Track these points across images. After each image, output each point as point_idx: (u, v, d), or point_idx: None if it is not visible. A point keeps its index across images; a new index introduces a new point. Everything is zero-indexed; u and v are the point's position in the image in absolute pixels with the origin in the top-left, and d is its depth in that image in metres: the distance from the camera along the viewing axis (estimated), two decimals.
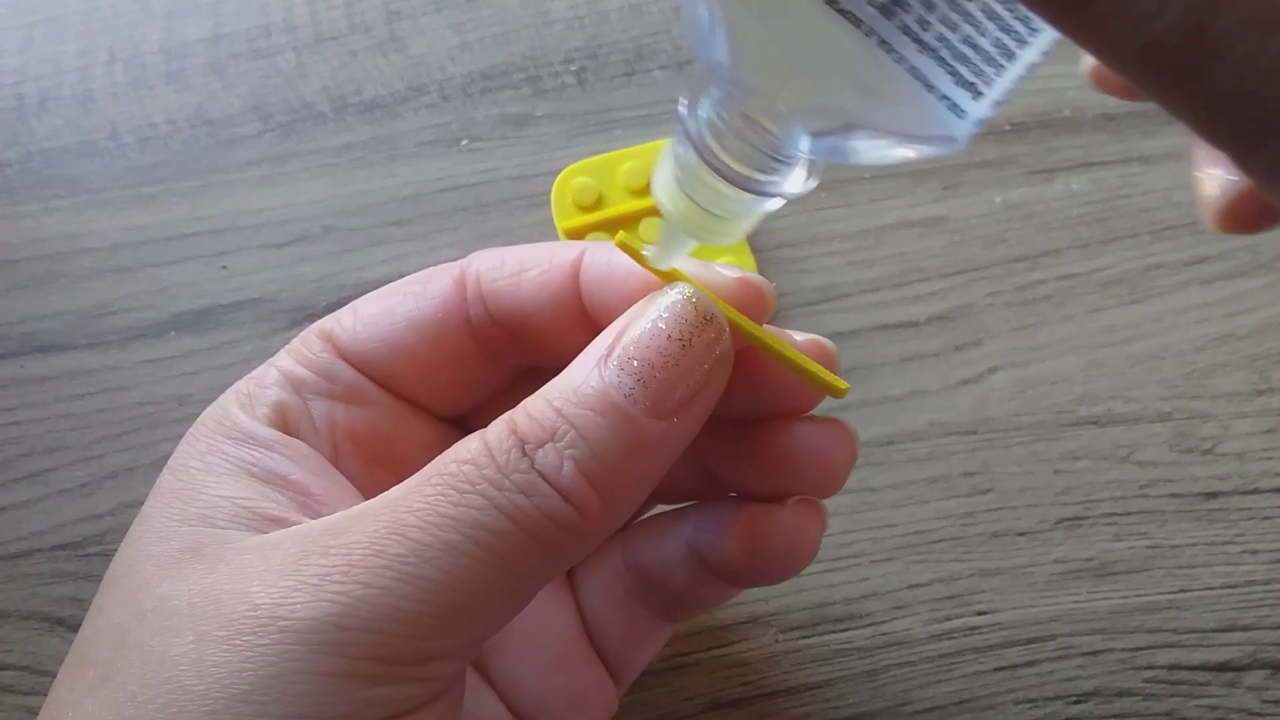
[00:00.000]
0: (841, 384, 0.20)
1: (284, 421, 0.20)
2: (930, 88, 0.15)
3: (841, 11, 0.14)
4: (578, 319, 0.21)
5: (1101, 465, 0.30)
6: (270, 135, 0.34)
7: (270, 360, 0.21)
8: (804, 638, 0.29)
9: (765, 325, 0.20)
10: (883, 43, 0.14)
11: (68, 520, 0.30)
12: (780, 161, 0.17)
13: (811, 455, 0.21)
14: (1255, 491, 0.30)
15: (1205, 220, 0.19)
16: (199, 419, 0.20)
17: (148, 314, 0.32)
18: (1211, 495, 0.30)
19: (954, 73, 0.14)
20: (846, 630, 0.29)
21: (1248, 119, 0.12)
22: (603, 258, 0.21)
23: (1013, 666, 0.28)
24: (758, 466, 0.21)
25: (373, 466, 0.21)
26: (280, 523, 0.18)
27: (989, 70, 0.15)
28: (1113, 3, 0.12)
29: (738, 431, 0.21)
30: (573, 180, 0.32)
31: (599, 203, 0.32)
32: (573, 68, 0.35)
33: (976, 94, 0.15)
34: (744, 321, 0.19)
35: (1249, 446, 0.31)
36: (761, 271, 0.32)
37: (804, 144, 0.17)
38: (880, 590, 0.29)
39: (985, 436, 0.31)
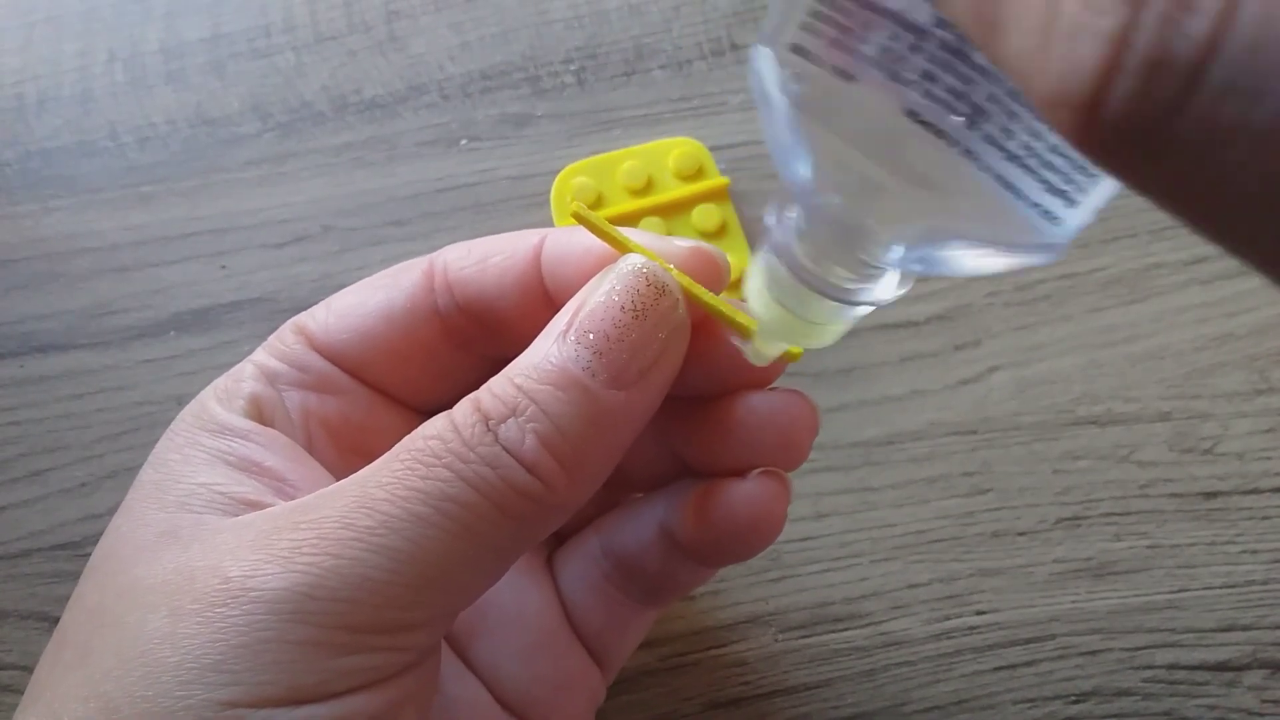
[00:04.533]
0: (794, 349, 0.20)
1: (259, 412, 0.21)
2: (1019, 196, 0.14)
3: (924, 124, 0.14)
4: (542, 303, 0.21)
5: (1101, 465, 0.30)
6: (270, 135, 0.34)
7: (248, 357, 0.22)
8: (803, 637, 0.29)
9: (721, 296, 0.20)
10: (967, 152, 0.14)
11: (67, 520, 0.30)
12: (871, 268, 0.17)
13: (770, 424, 0.21)
14: (1255, 491, 0.30)
15: None
16: (179, 415, 0.21)
17: (147, 314, 0.32)
18: (1211, 495, 0.30)
19: (1043, 180, 0.14)
20: (846, 630, 0.29)
21: None
22: (562, 240, 0.21)
23: (1012, 666, 0.28)
24: (719, 440, 0.21)
25: (347, 455, 0.22)
26: (255, 506, 0.19)
27: (1080, 177, 0.14)
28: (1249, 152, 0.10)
29: (701, 408, 0.22)
30: (572, 180, 0.32)
31: (598, 203, 0.32)
32: (572, 67, 0.35)
33: (1070, 201, 0.14)
34: (697, 289, 0.19)
35: (1249, 446, 0.31)
36: None
37: (896, 255, 0.16)
38: (880, 590, 0.29)
39: (985, 436, 0.31)
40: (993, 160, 0.14)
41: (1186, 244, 0.33)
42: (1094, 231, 0.33)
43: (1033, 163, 0.14)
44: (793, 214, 0.18)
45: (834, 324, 0.19)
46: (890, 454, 0.30)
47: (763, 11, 0.35)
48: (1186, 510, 0.30)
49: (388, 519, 0.17)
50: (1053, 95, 0.10)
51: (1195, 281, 0.32)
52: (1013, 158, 0.14)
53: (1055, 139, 0.14)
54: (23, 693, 0.28)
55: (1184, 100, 0.10)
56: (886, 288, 0.18)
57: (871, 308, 0.18)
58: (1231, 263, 0.33)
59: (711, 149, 0.33)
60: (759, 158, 0.34)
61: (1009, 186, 0.14)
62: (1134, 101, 0.10)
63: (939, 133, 0.14)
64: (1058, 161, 0.14)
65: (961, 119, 0.13)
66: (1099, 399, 0.31)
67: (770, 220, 0.18)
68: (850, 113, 0.15)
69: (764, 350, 0.20)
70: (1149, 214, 0.33)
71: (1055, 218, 0.15)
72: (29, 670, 0.28)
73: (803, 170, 0.16)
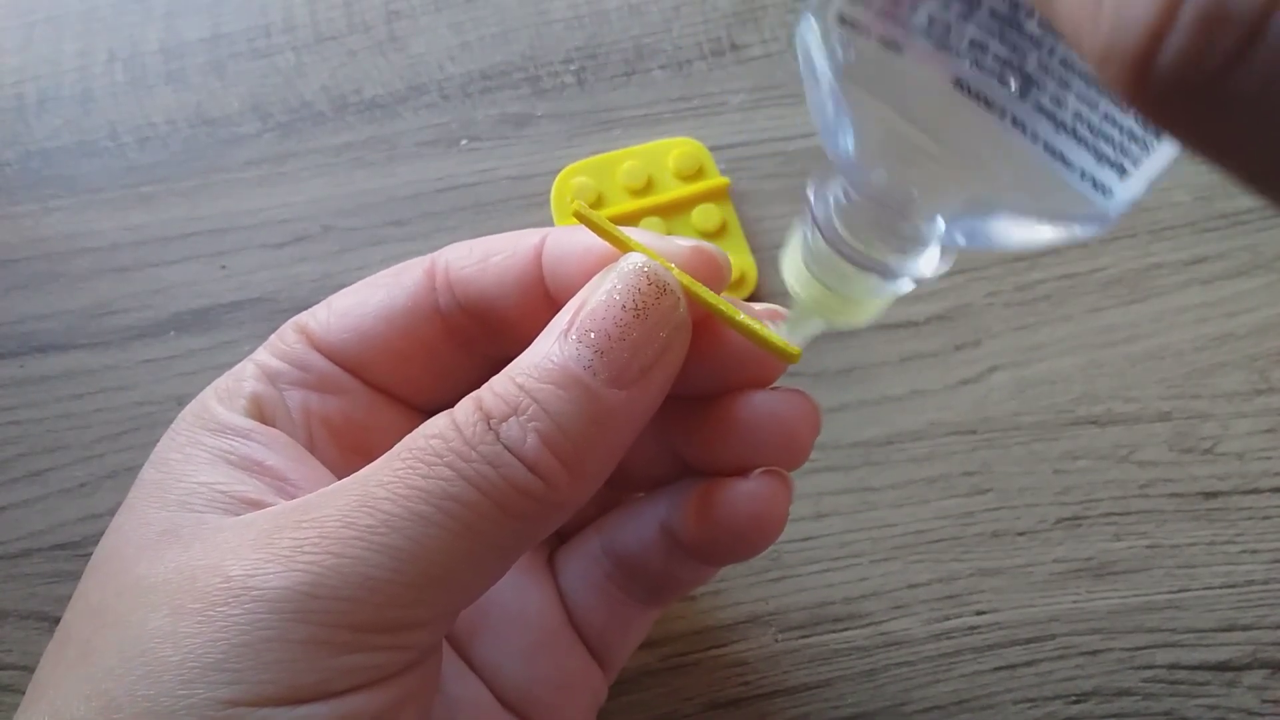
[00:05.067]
0: (793, 349, 0.20)
1: (260, 411, 0.21)
2: (1070, 166, 0.14)
3: (973, 94, 0.13)
4: (543, 303, 0.21)
5: (1101, 465, 0.30)
6: (270, 135, 0.34)
7: (249, 356, 0.22)
8: (803, 638, 0.29)
9: (722, 295, 0.20)
10: (1016, 122, 0.13)
11: (67, 520, 0.30)
12: (914, 244, 0.17)
13: (771, 423, 0.21)
14: (1255, 491, 0.30)
15: None
16: (180, 415, 0.21)
17: (147, 314, 0.32)
18: (1211, 495, 0.30)
19: (1095, 150, 0.14)
20: (846, 630, 0.29)
21: None
22: (563, 239, 0.21)
23: (1012, 666, 0.28)
24: (721, 439, 0.21)
25: (349, 455, 0.22)
26: (257, 505, 0.19)
27: (1135, 148, 0.14)
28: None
29: (702, 407, 0.22)
30: (572, 180, 0.32)
31: (599, 203, 0.32)
32: (572, 67, 0.35)
33: (1123, 172, 0.14)
34: (698, 288, 0.19)
35: (1249, 446, 0.31)
36: (761, 271, 0.32)
37: (940, 228, 0.16)
38: (880, 590, 0.29)
39: (985, 436, 0.31)
40: (1043, 130, 0.13)
41: (1186, 244, 0.33)
42: None
43: (1085, 132, 0.14)
44: (834, 188, 0.17)
45: (873, 301, 0.18)
46: (890, 454, 0.30)
47: (762, 11, 0.35)
48: (1186, 510, 0.30)
49: (389, 518, 0.17)
50: (1104, 51, 0.10)
51: (1195, 281, 0.32)
52: (1064, 127, 0.13)
53: (1108, 107, 0.13)
54: (23, 692, 0.28)
55: (1243, 54, 0.09)
56: (928, 262, 0.18)
57: (912, 284, 0.18)
58: (1231, 263, 0.33)
59: (711, 149, 0.33)
60: (759, 158, 0.34)
61: (1059, 157, 0.14)
62: (1188, 56, 0.09)
63: (988, 103, 0.13)
64: (1111, 130, 0.14)
65: (1012, 88, 0.13)
66: (1099, 399, 0.31)
67: (810, 194, 0.18)
68: (897, 84, 0.14)
69: (800, 329, 0.20)
70: (1149, 214, 0.33)
71: (1107, 189, 0.14)
72: (29, 670, 0.28)
73: (847, 143, 0.16)
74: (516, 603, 0.23)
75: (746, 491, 0.21)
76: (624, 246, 0.20)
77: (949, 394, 0.31)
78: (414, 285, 0.22)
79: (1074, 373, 0.31)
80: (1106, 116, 0.13)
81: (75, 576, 0.29)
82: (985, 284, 0.32)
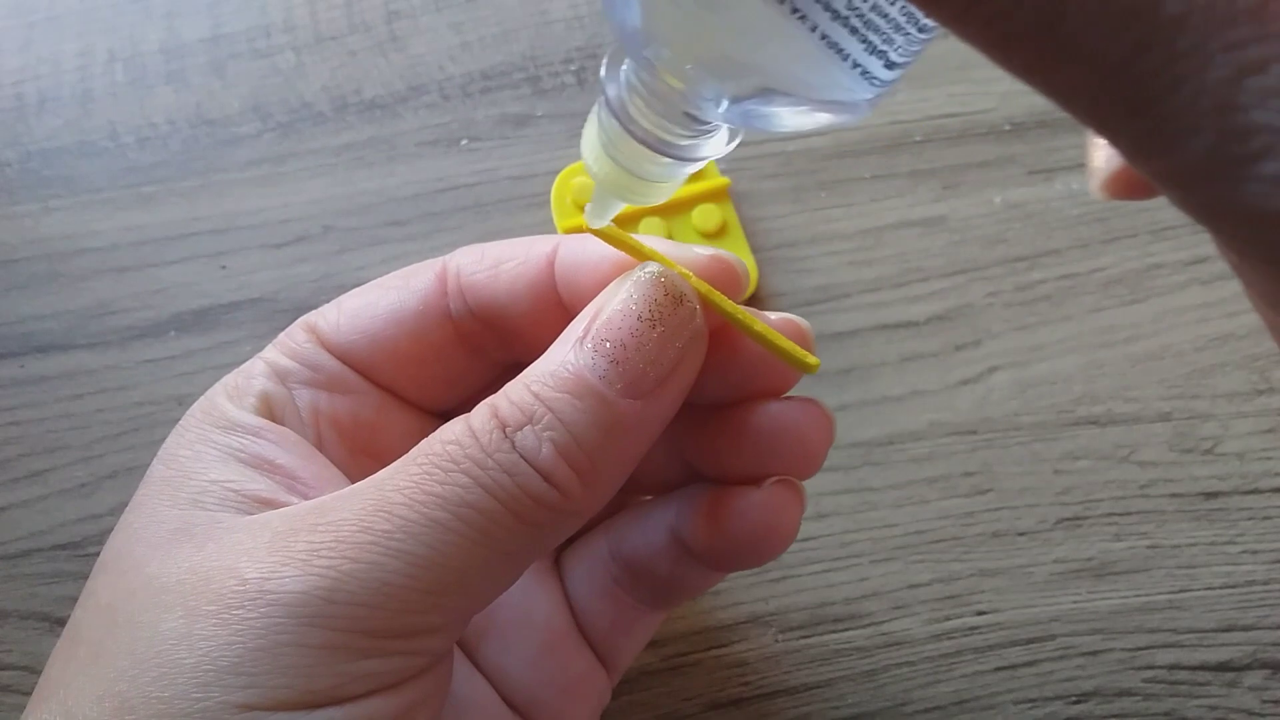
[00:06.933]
0: (812, 360, 0.20)
1: (269, 410, 0.21)
2: (844, 55, 0.15)
3: None
4: (554, 310, 0.21)
5: (1101, 465, 0.30)
6: (270, 135, 0.34)
7: (258, 354, 0.22)
8: (804, 638, 0.29)
9: (740, 305, 0.20)
10: (795, 10, 0.14)
11: (67, 520, 0.30)
12: (699, 124, 0.17)
13: (785, 433, 0.21)
14: (1255, 491, 0.30)
15: (1092, 189, 0.18)
16: (188, 411, 0.21)
17: (147, 314, 0.32)
18: (1211, 495, 0.30)
19: (865, 40, 0.15)
20: (846, 630, 0.29)
21: (1105, 104, 0.11)
22: (577, 247, 0.21)
23: (1012, 666, 0.28)
24: (734, 448, 0.21)
25: (357, 455, 0.22)
26: (269, 504, 0.18)
27: (899, 38, 0.15)
28: None
29: (715, 416, 0.22)
30: (572, 180, 0.32)
31: None
32: (573, 68, 0.35)
33: (889, 63, 0.15)
34: (716, 297, 0.19)
35: (1249, 446, 0.31)
36: (761, 271, 0.32)
37: (720, 109, 0.17)
38: (880, 590, 0.29)
39: (985, 436, 0.31)
40: (820, 19, 0.14)
41: (1187, 244, 0.33)
42: (1094, 231, 0.33)
43: (857, 22, 0.14)
44: (626, 68, 0.17)
45: (667, 181, 0.19)
46: (890, 454, 0.30)
47: None
48: (1187, 510, 0.30)
49: (406, 523, 0.16)
50: None
51: (1195, 281, 0.32)
52: (839, 17, 0.14)
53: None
54: (23, 693, 0.28)
55: None
56: (716, 144, 0.18)
57: (701, 164, 0.18)
58: None
59: None
60: (759, 158, 0.34)
61: (834, 46, 0.14)
62: None
63: None
64: (879, 21, 0.14)
65: None
66: (1099, 399, 0.31)
67: (605, 75, 0.18)
68: None
69: (601, 208, 0.20)
70: (1149, 214, 0.33)
71: (873, 78, 0.15)
72: (30, 670, 0.28)
73: (632, 20, 0.16)
74: (524, 605, 0.23)
75: (759, 501, 0.21)
76: (640, 255, 0.19)
77: (949, 394, 0.31)
78: (424, 289, 0.22)
79: (1074, 373, 0.31)
80: (875, 7, 0.14)
81: (76, 576, 0.29)
82: (985, 284, 0.32)
